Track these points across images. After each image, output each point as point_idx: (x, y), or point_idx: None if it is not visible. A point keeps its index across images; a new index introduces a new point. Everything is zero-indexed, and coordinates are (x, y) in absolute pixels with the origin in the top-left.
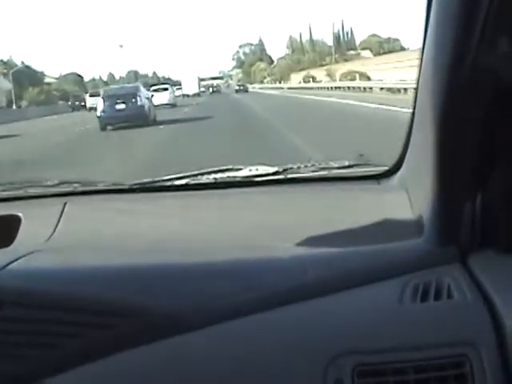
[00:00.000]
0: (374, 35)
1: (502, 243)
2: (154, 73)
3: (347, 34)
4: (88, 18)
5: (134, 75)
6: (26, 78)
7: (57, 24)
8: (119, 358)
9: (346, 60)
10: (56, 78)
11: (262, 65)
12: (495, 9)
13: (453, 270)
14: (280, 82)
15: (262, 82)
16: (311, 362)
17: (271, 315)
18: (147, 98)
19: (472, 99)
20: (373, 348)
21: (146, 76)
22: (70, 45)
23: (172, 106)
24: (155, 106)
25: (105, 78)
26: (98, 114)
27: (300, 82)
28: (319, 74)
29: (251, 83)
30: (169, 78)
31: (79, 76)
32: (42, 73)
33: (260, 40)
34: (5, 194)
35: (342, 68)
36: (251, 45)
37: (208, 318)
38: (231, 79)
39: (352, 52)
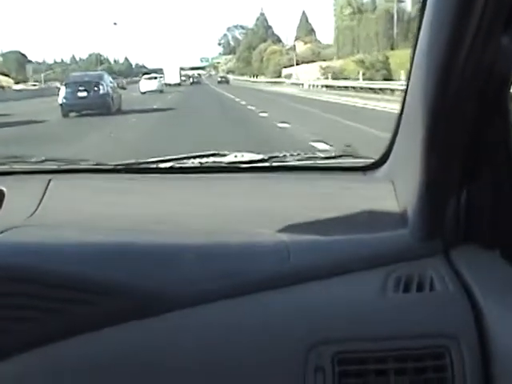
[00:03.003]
0: None
1: (485, 237)
2: (126, 59)
3: None
4: None
5: (96, 59)
6: None
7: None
8: (102, 334)
9: None
10: None
11: (275, 47)
12: (488, 12)
13: (436, 263)
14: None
15: (279, 76)
16: (292, 349)
17: (252, 301)
18: (111, 87)
19: (461, 96)
20: (353, 336)
21: (117, 62)
22: (16, 22)
23: (160, 91)
24: (146, 92)
25: (62, 61)
26: (60, 101)
27: None
28: None
29: (254, 75)
30: (143, 66)
31: (22, 55)
32: None
33: (262, 14)
34: None
35: None
36: (242, 27)
37: (191, 300)
38: (214, 68)
39: None
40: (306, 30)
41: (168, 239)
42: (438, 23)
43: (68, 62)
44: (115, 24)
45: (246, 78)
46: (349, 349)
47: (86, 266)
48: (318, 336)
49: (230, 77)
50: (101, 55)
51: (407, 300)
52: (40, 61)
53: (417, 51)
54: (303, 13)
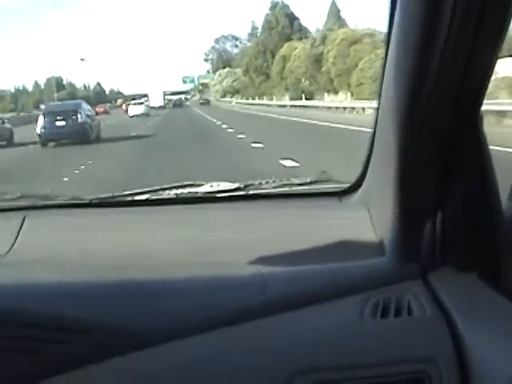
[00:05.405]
0: None
1: (461, 260)
2: (98, 84)
3: None
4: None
5: (57, 83)
6: None
7: None
8: (75, 374)
9: None
10: None
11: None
12: (456, 23)
13: (413, 287)
14: None
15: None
16: (271, 380)
17: (229, 333)
18: (89, 116)
19: (432, 118)
20: (333, 365)
21: (87, 88)
22: None
23: (146, 115)
24: (134, 115)
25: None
26: (38, 131)
27: None
28: None
29: (311, 94)
30: (119, 92)
31: None
32: None
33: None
34: None
35: None
36: (235, 38)
37: (166, 336)
38: (200, 92)
39: None
40: (339, 24)
41: (143, 274)
42: (405, 43)
43: (31, 89)
44: (82, 60)
45: (284, 102)
46: (329, 378)
47: (61, 304)
48: (297, 366)
49: (233, 101)
50: (61, 79)
51: (385, 326)
52: None
53: (385, 73)
54: (333, 2)
